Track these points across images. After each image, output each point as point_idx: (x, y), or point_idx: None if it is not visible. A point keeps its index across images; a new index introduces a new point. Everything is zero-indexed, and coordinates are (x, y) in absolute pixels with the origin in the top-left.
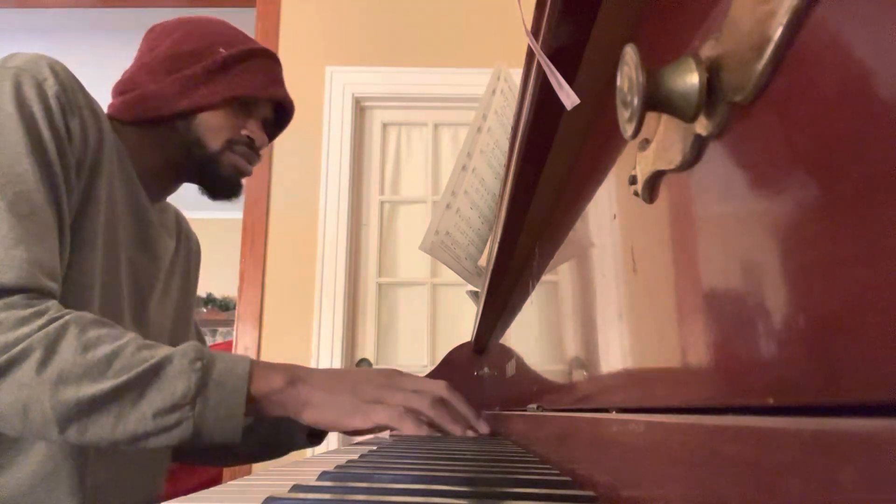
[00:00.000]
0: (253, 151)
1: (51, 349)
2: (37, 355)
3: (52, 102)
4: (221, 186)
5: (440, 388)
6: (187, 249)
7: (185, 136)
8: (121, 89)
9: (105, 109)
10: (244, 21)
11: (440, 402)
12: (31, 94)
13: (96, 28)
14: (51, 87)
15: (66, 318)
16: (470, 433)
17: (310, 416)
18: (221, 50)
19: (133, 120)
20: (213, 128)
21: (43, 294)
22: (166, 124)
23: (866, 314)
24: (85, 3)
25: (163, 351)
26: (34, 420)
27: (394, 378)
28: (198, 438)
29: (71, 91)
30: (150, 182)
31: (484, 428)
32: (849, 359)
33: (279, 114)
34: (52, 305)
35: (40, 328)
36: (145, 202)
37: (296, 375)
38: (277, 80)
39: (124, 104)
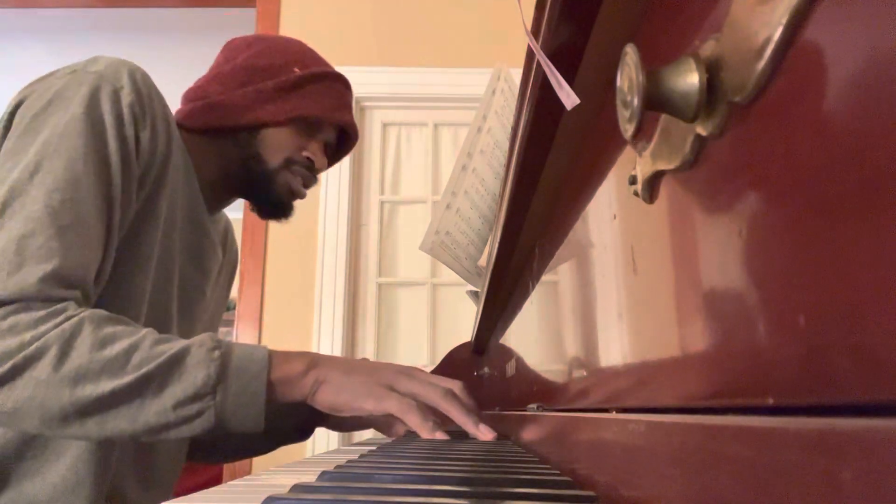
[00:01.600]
0: (311, 174)
1: (67, 346)
2: (53, 352)
3: (126, 112)
4: (272, 205)
5: (455, 384)
6: (229, 260)
7: (246, 150)
8: (190, 97)
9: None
10: (244, 21)
11: (452, 395)
12: (105, 101)
13: (96, 28)
14: (126, 96)
15: (82, 315)
16: (479, 434)
17: (324, 397)
18: (296, 69)
19: (198, 128)
20: (274, 144)
21: (59, 300)
22: (229, 136)
23: (866, 314)
24: (85, 3)
25: (180, 343)
26: (52, 417)
27: (410, 369)
28: (220, 428)
29: (147, 100)
30: (209, 193)
31: (488, 434)
32: (849, 359)
33: (342, 140)
34: (70, 305)
35: (56, 326)
36: (204, 214)
37: (314, 360)
38: (346, 105)
39: (192, 112)
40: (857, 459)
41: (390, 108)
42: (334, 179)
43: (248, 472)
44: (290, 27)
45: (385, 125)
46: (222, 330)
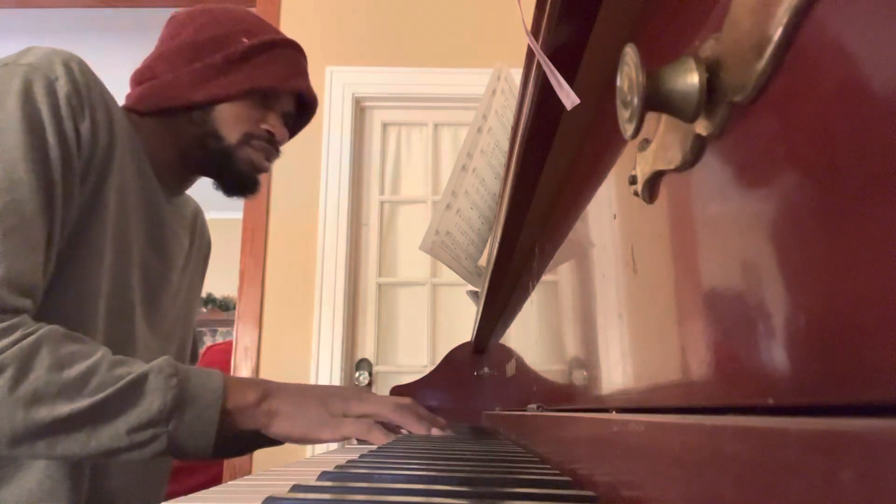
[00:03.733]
0: (272, 147)
1: (24, 367)
2: (9, 373)
3: (63, 105)
4: (236, 182)
5: (403, 399)
6: (199, 247)
7: (202, 128)
8: (138, 79)
9: (122, 100)
10: None
11: (404, 408)
12: (40, 94)
13: (96, 28)
14: (62, 88)
15: (39, 333)
16: (434, 432)
17: (279, 429)
18: (244, 39)
19: (149, 111)
20: (230, 120)
21: (13, 311)
22: (183, 115)
23: (866, 314)
24: (85, 3)
25: (137, 367)
26: (2, 435)
27: (360, 392)
28: (170, 453)
29: (85, 90)
30: (167, 176)
31: (439, 429)
32: (849, 359)
33: (301, 108)
34: (24, 320)
35: (13, 344)
36: (160, 200)
37: (267, 390)
38: (301, 72)
39: (141, 94)
40: (857, 459)
41: (390, 108)
42: (334, 179)
43: (249, 472)
44: (290, 27)
45: (385, 125)
46: (222, 330)
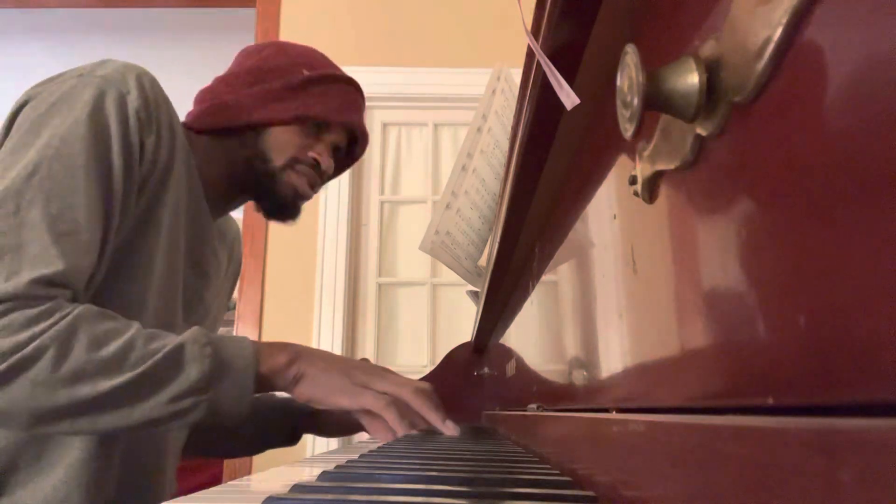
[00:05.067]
0: (317, 175)
1: (64, 347)
2: (50, 354)
3: (132, 118)
4: (277, 205)
5: (424, 384)
6: (233, 268)
7: (251, 149)
8: (200, 98)
9: (182, 118)
10: (244, 21)
11: (422, 393)
12: (111, 106)
13: (96, 28)
14: (133, 102)
15: (75, 312)
16: (445, 430)
17: (302, 391)
18: (304, 71)
19: (205, 129)
20: (279, 143)
21: (45, 299)
22: (236, 136)
23: (866, 314)
24: (85, 3)
25: (171, 339)
26: (43, 416)
27: (383, 370)
28: (210, 419)
29: (154, 106)
30: (214, 196)
31: (453, 431)
32: (849, 359)
33: (352, 144)
34: (59, 303)
35: (51, 326)
36: (206, 219)
37: (297, 353)
38: (354, 107)
39: (200, 113)
40: (857, 459)
41: (390, 108)
42: (334, 180)
43: (249, 472)
44: (290, 27)
45: (385, 125)
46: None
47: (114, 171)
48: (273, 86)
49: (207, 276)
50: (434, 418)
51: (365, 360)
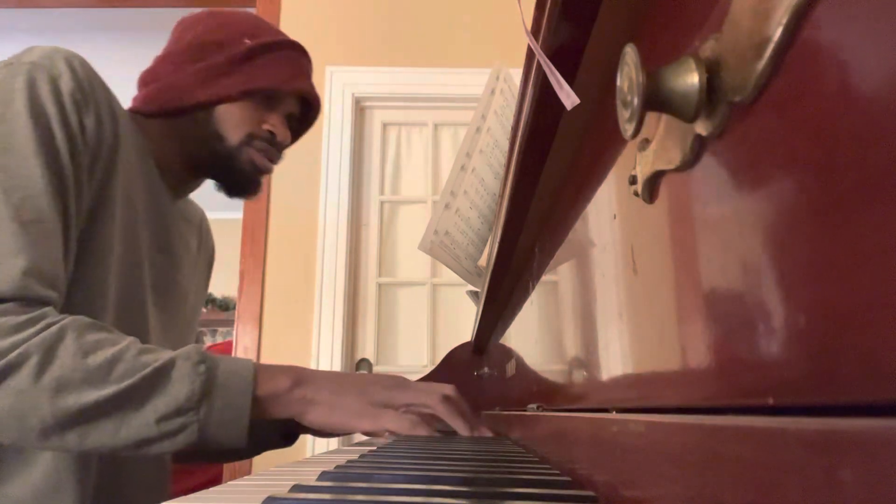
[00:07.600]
0: (274, 148)
1: (48, 355)
2: (34, 361)
3: (67, 100)
4: (238, 183)
5: (447, 388)
6: (205, 253)
7: (205, 129)
8: (143, 80)
9: (129, 103)
10: None
11: (448, 400)
12: (44, 91)
13: (96, 28)
14: (66, 84)
15: (63, 322)
16: (482, 431)
17: (315, 418)
18: (247, 41)
19: (154, 112)
20: (232, 121)
21: (40, 303)
22: (187, 116)
23: (866, 314)
24: (85, 3)
25: (164, 354)
26: (32, 427)
27: (400, 380)
28: (203, 443)
29: (88, 86)
30: (172, 178)
31: (486, 432)
32: (849, 359)
33: (305, 110)
34: (49, 311)
35: (36, 333)
36: (165, 201)
37: (300, 377)
38: (303, 73)
39: (146, 96)
40: (857, 459)
41: (390, 108)
42: (334, 179)
43: (248, 472)
44: (290, 27)
45: (385, 125)
46: (222, 330)
47: (61, 154)
48: (216, 60)
49: (177, 258)
50: (462, 428)
51: (365, 360)
